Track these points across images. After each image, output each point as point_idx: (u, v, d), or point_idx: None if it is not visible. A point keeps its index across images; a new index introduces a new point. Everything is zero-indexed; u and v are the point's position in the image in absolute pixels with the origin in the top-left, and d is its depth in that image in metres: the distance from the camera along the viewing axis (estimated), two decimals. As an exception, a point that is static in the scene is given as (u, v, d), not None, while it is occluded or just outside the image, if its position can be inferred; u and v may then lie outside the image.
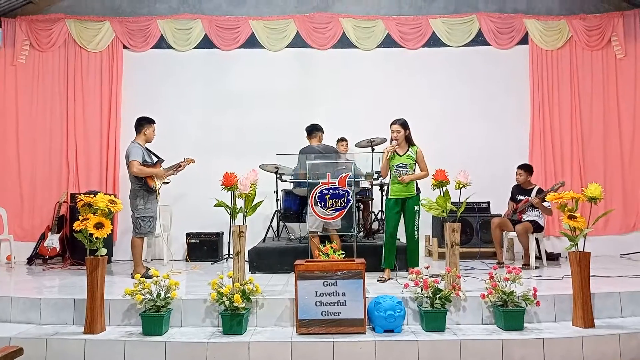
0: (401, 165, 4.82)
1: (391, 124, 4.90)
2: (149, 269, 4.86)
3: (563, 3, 7.30)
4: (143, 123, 5.22)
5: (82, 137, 6.99)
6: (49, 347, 3.47)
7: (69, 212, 6.53)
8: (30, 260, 6.43)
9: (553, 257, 6.26)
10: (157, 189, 5.10)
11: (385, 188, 6.32)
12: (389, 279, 4.75)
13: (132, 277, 4.30)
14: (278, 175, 6.26)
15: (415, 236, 4.77)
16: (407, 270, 4.54)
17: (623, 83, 7.11)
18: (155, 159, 5.26)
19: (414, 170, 4.83)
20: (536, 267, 5.59)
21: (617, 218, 6.91)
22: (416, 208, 4.75)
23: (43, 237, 6.47)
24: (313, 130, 5.67)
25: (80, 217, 3.68)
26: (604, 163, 7.07)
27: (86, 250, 3.72)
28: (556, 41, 7.17)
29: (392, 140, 4.89)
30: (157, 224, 5.21)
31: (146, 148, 5.22)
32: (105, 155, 6.99)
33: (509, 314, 3.63)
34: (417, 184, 4.85)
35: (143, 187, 5.05)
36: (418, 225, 4.79)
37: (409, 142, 4.89)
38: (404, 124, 4.86)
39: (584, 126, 7.10)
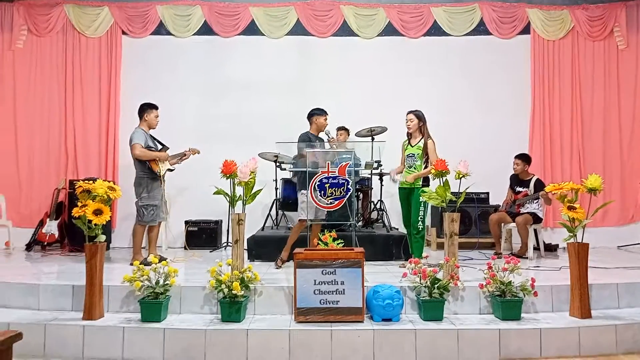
0: (411, 155, 4.95)
1: (406, 113, 5.01)
2: (147, 257, 4.85)
3: (566, -7, 7.25)
4: (145, 108, 5.21)
5: (80, 123, 6.95)
6: (47, 332, 3.48)
7: (67, 199, 6.51)
8: (28, 246, 6.43)
9: (551, 248, 6.28)
10: (161, 174, 5.09)
11: (384, 178, 6.35)
12: None
13: (132, 264, 4.30)
14: (277, 164, 6.25)
15: (419, 226, 4.80)
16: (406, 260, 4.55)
17: (624, 74, 7.09)
18: (159, 146, 5.24)
19: (423, 162, 4.86)
20: (527, 257, 5.60)
21: (615, 210, 6.93)
22: (422, 199, 4.75)
23: (41, 223, 6.46)
24: (308, 116, 5.31)
25: (79, 204, 3.67)
26: (603, 154, 7.07)
27: (85, 237, 3.71)
28: (558, 31, 7.13)
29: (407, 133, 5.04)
30: (161, 211, 5.19)
31: (150, 135, 5.21)
32: (104, 142, 6.95)
33: (507, 304, 3.65)
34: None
35: (147, 174, 5.03)
36: (424, 216, 4.82)
37: (422, 133, 4.94)
38: (418, 115, 4.96)
39: (584, 117, 7.09)
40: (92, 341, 3.46)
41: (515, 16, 7.17)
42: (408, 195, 4.92)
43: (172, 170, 5.32)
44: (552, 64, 7.13)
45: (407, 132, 5.06)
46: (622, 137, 7.06)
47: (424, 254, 4.22)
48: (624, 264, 5.15)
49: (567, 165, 7.04)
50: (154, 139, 5.24)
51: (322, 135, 5.24)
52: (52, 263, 5.34)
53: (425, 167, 4.82)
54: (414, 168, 4.88)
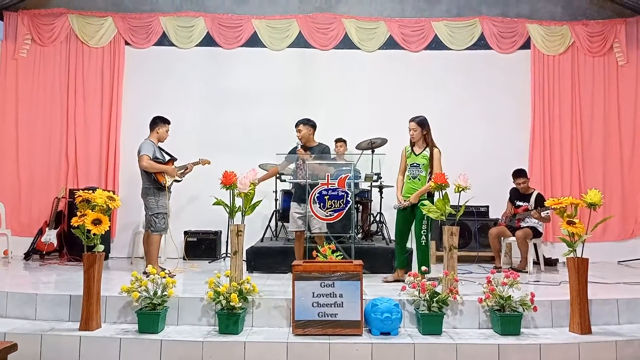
0: (415, 164, 4.73)
1: (409, 121, 4.80)
2: (164, 269, 4.82)
3: (566, 8, 7.30)
4: (157, 122, 5.27)
5: (82, 132, 6.98)
6: (44, 343, 3.46)
7: (67, 208, 6.51)
8: (27, 256, 6.41)
9: (551, 263, 6.26)
10: (167, 185, 5.11)
11: (384, 191, 6.34)
12: (394, 281, 4.67)
13: (145, 273, 4.26)
14: (277, 175, 6.25)
15: (423, 241, 4.64)
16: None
17: (624, 90, 7.11)
18: (167, 157, 5.27)
19: (428, 173, 4.68)
20: (526, 272, 5.58)
21: (615, 224, 6.90)
22: (425, 212, 4.59)
23: (41, 232, 6.45)
24: None
25: (78, 213, 3.67)
26: (603, 169, 7.07)
27: (83, 247, 3.70)
28: (558, 46, 7.17)
29: (411, 140, 4.81)
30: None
31: (159, 147, 5.25)
32: (105, 152, 6.97)
33: (506, 318, 3.63)
34: None
35: (153, 185, 5.07)
36: (427, 230, 4.65)
37: (427, 141, 4.75)
38: (421, 122, 4.75)
39: (584, 132, 7.10)
40: (88, 352, 3.43)
41: (515, 31, 7.22)
42: (412, 207, 4.71)
43: (179, 181, 5.35)
44: (552, 79, 7.16)
45: (411, 141, 4.84)
46: (623, 153, 7.06)
47: (423, 268, 4.19)
48: (625, 279, 5.12)
49: (567, 180, 7.04)
50: (162, 150, 5.27)
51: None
52: (50, 272, 5.32)
53: (430, 179, 4.62)
54: (418, 179, 4.69)
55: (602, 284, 4.75)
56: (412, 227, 4.78)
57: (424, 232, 4.66)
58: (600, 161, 7.07)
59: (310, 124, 5.11)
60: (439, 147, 4.74)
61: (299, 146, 4.99)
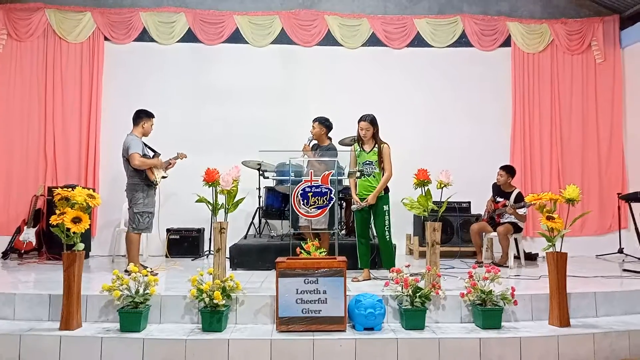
0: (368, 162, 4.74)
1: (359, 121, 4.78)
2: (146, 267, 4.76)
3: (545, 7, 7.42)
4: (142, 116, 5.11)
5: (60, 129, 6.85)
6: (23, 343, 3.40)
7: (45, 206, 6.40)
8: (5, 255, 6.28)
9: (531, 257, 6.36)
10: (157, 182, 5.02)
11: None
12: (365, 280, 4.68)
13: (126, 271, 4.21)
14: (260, 172, 6.23)
15: (387, 236, 4.67)
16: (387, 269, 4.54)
17: (602, 87, 7.27)
18: (152, 153, 5.17)
19: (381, 169, 4.70)
20: (507, 266, 5.66)
21: (594, 220, 7.05)
22: (385, 208, 4.66)
23: (19, 230, 6.32)
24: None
25: (57, 211, 3.61)
26: (581, 165, 7.21)
27: (63, 245, 3.64)
28: (538, 44, 7.28)
29: (358, 137, 4.81)
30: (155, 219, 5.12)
31: (143, 142, 5.13)
32: (85, 149, 6.86)
33: (487, 312, 3.68)
34: None
35: (143, 181, 4.94)
36: (389, 225, 4.69)
37: (376, 139, 4.78)
38: (372, 121, 4.75)
39: (563, 129, 7.23)
40: (69, 352, 3.38)
41: (496, 29, 7.31)
42: (368, 207, 4.71)
43: (165, 177, 5.26)
44: (532, 76, 7.27)
45: (359, 138, 4.82)
46: (600, 149, 7.22)
47: (406, 263, 4.22)
48: (602, 273, 5.23)
49: (546, 176, 7.16)
50: (146, 145, 5.17)
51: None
52: (29, 272, 5.22)
53: (383, 174, 4.68)
54: (373, 176, 4.70)
55: (580, 278, 4.85)
56: (373, 226, 4.82)
57: (386, 227, 4.68)
58: (579, 157, 7.22)
59: (325, 124, 5.22)
60: (388, 143, 4.77)
61: (309, 142, 5.19)
